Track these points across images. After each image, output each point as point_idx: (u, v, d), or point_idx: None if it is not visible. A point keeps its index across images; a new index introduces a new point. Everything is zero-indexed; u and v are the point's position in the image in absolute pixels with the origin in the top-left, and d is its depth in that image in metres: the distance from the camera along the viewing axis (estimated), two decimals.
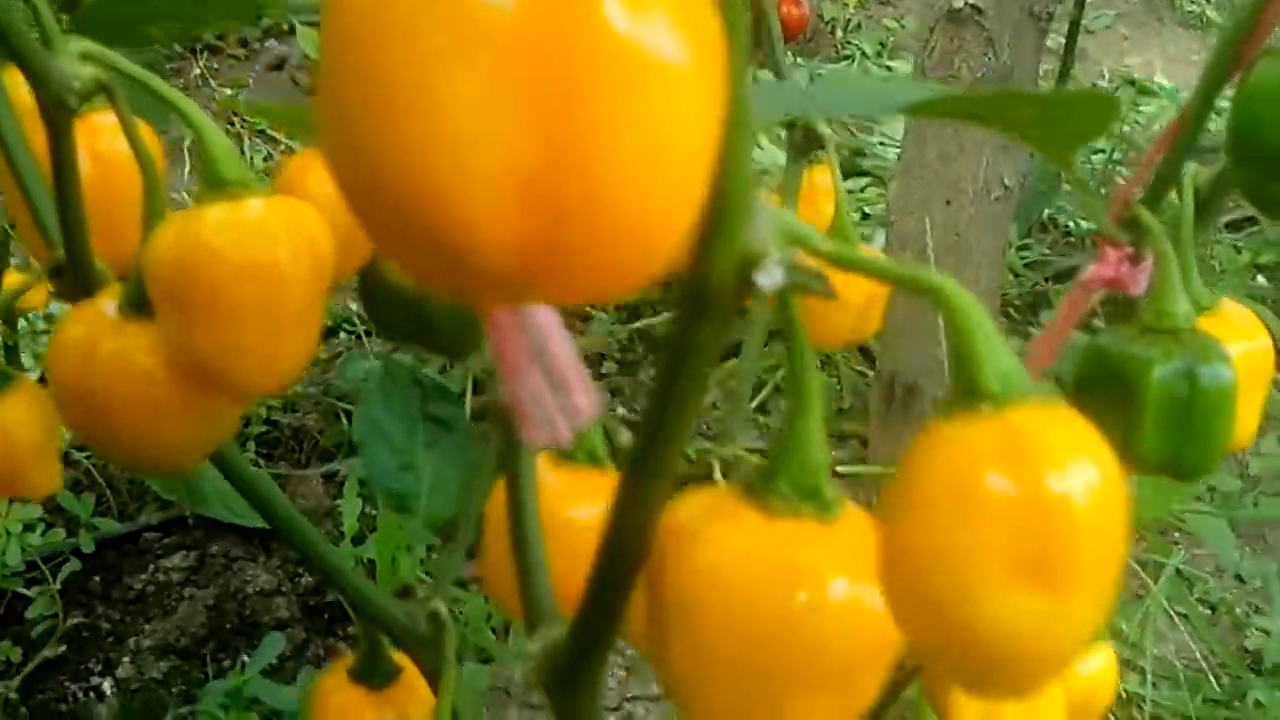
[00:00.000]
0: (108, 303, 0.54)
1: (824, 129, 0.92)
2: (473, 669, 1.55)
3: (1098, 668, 0.74)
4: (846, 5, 3.60)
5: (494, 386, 0.70)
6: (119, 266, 0.62)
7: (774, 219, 0.34)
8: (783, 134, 1.03)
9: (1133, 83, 3.45)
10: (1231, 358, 0.61)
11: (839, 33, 3.54)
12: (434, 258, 0.26)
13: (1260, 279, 2.42)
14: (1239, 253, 2.42)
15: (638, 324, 2.18)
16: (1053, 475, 0.31)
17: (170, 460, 0.55)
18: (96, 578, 1.69)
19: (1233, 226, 2.49)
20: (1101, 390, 0.61)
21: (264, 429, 1.92)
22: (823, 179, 0.93)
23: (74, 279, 0.57)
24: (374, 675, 0.71)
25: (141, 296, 0.53)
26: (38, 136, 0.62)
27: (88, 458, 1.77)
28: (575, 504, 0.57)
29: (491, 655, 1.59)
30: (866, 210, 2.57)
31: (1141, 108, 3.26)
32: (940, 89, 0.42)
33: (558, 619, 0.44)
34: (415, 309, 0.71)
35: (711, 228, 0.32)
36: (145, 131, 0.54)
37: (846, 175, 2.89)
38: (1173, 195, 0.63)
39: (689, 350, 0.35)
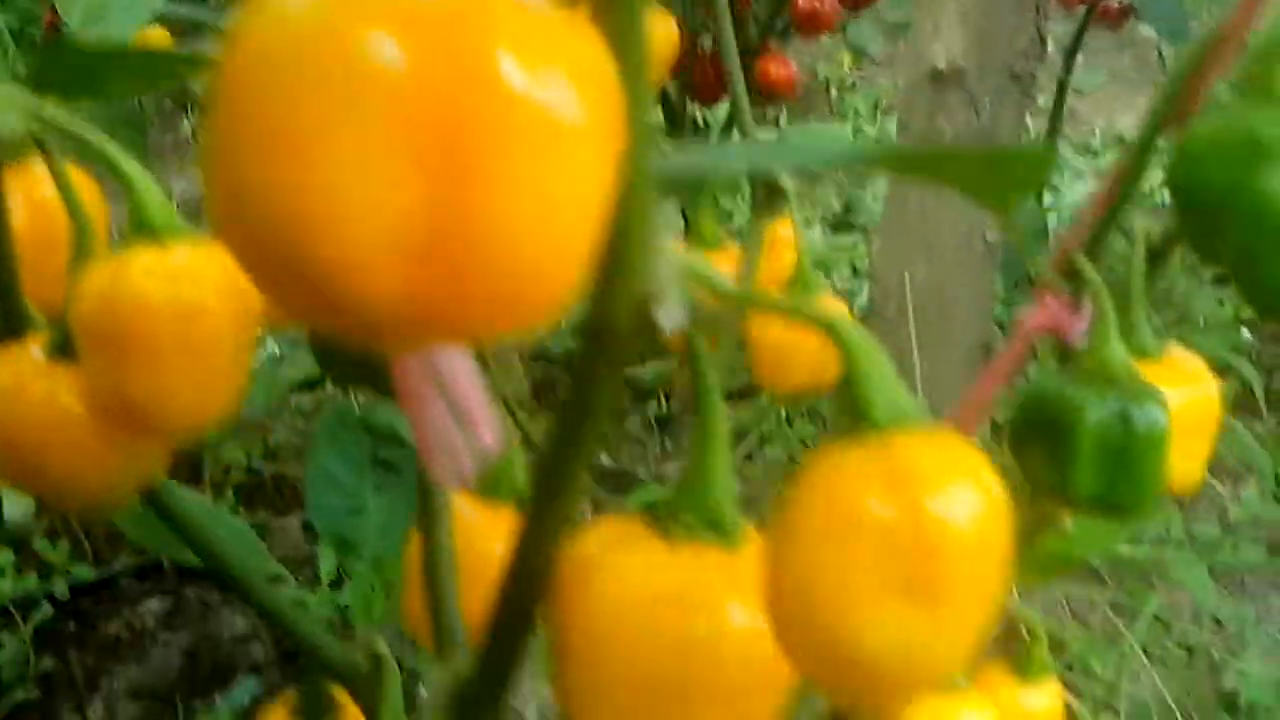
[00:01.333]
0: (34, 347, 0.55)
1: (786, 183, 0.93)
2: None
3: (1044, 705, 0.73)
4: (841, 65, 3.63)
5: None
6: (52, 313, 0.62)
7: (676, 261, 0.34)
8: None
9: (1124, 141, 3.46)
10: (1167, 402, 0.61)
11: (834, 92, 3.57)
12: (319, 307, 0.26)
13: (1245, 333, 2.42)
14: (1223, 306, 2.43)
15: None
16: (932, 499, 0.32)
17: (95, 499, 0.55)
18: (70, 623, 1.68)
19: (1218, 281, 2.50)
20: (1039, 432, 0.61)
21: (245, 477, 1.92)
22: (785, 231, 0.94)
23: (3, 321, 0.57)
24: (314, 713, 0.70)
25: (68, 340, 0.53)
26: None
27: None
28: (493, 539, 0.57)
29: None
30: (856, 265, 2.57)
31: None
32: (883, 145, 0.42)
33: (466, 652, 0.44)
34: (359, 354, 0.71)
35: (610, 268, 0.33)
36: (83, 178, 0.55)
37: (836, 231, 2.90)
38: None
39: (589, 384, 0.36)
